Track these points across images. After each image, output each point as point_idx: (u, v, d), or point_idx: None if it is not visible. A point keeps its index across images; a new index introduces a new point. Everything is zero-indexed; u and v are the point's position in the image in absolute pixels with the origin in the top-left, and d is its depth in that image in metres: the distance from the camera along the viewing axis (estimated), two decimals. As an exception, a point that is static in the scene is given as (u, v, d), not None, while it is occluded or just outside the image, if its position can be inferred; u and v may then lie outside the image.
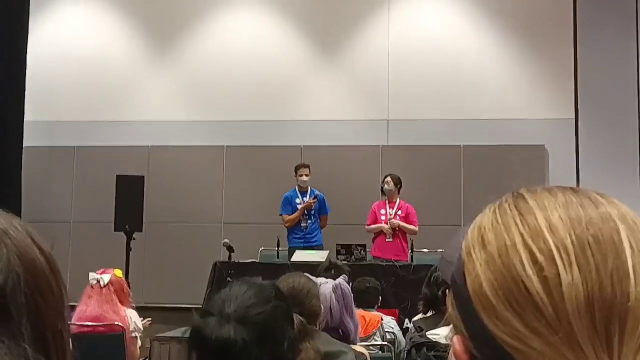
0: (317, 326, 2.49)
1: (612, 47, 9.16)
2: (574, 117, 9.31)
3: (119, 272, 4.17)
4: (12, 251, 0.73)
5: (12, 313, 0.70)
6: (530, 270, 0.58)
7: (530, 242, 0.59)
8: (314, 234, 7.92)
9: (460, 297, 0.63)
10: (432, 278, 3.87)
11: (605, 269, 0.58)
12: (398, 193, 7.92)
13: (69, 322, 0.78)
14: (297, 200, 7.98)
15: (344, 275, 3.23)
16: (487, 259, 0.61)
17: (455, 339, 0.64)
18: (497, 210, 0.65)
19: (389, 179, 7.86)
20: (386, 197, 7.89)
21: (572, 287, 0.57)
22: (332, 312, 2.77)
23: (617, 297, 0.57)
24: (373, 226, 7.79)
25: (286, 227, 7.99)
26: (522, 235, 0.60)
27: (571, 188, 0.65)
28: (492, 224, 0.64)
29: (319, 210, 8.02)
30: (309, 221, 7.93)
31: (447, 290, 2.33)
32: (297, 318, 2.21)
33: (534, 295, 0.57)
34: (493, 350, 0.59)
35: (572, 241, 0.59)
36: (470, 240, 0.64)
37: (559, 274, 0.57)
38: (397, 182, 7.86)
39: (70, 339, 0.77)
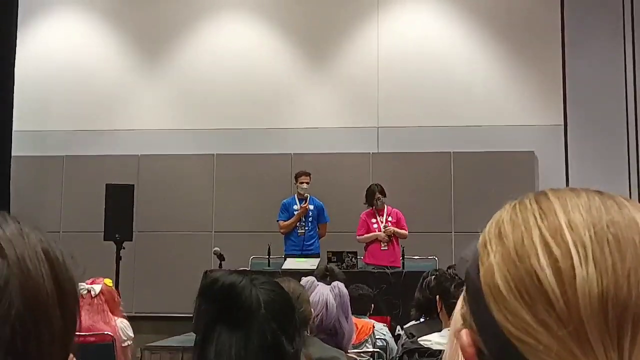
0: (309, 331, 2.48)
1: (599, 55, 9.22)
2: (562, 123, 9.35)
3: (109, 282, 4.14)
4: (14, 274, 0.65)
5: None
6: (544, 262, 0.58)
7: (547, 236, 0.59)
8: (311, 242, 7.90)
9: (472, 289, 0.63)
10: (424, 283, 3.87)
11: (623, 269, 0.57)
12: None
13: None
14: (295, 207, 7.97)
15: (342, 278, 3.22)
16: (503, 251, 0.61)
17: (464, 332, 0.63)
18: (517, 206, 0.64)
19: (379, 195, 7.79)
20: (374, 207, 7.85)
21: (586, 282, 0.56)
22: (327, 308, 2.75)
23: (632, 297, 0.56)
24: (367, 235, 7.77)
25: (282, 233, 7.96)
26: (540, 229, 0.60)
27: (597, 190, 0.64)
28: (510, 218, 0.63)
29: (318, 218, 8.00)
30: (306, 228, 7.91)
31: (438, 297, 2.30)
32: None
33: (546, 286, 0.57)
34: (500, 343, 0.59)
35: (590, 237, 0.58)
36: (487, 233, 0.64)
37: (573, 267, 0.57)
38: (384, 193, 7.83)
39: None
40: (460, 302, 0.69)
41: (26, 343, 0.64)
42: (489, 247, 0.62)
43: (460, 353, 0.65)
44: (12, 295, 0.64)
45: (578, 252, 0.57)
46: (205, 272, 7.44)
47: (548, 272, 0.57)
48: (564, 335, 0.56)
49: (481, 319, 0.61)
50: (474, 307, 0.62)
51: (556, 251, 0.58)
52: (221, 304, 1.53)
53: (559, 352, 0.56)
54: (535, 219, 0.61)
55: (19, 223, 0.70)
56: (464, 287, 0.66)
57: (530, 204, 0.63)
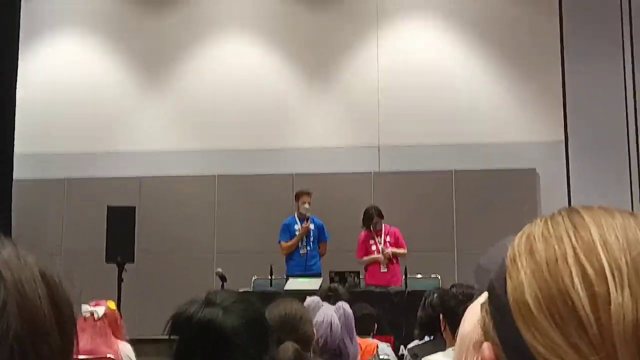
0: (311, 352, 2.46)
1: (599, 70, 9.24)
2: (564, 139, 9.35)
3: (112, 305, 4.12)
4: (11, 295, 0.65)
5: None
6: (579, 285, 0.57)
7: (582, 257, 0.58)
8: (313, 262, 7.86)
9: (497, 304, 0.62)
10: (426, 302, 3.85)
11: None
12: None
13: None
14: (296, 227, 7.92)
15: (345, 297, 3.20)
16: (534, 268, 0.59)
17: (485, 345, 0.62)
18: (549, 222, 0.62)
19: (377, 219, 7.74)
20: (371, 229, 7.80)
21: (621, 308, 0.55)
22: (332, 330, 2.72)
23: None
24: (367, 258, 7.73)
25: (284, 254, 7.92)
26: (574, 248, 0.59)
27: (629, 212, 0.63)
28: (542, 234, 0.61)
29: (318, 237, 7.97)
30: (308, 247, 7.87)
31: (442, 315, 2.28)
32: (292, 346, 2.17)
33: (579, 310, 0.56)
34: None
35: (626, 262, 0.57)
36: (516, 247, 0.62)
37: (609, 293, 0.56)
38: (381, 215, 7.78)
39: None
40: (474, 316, 0.68)
41: None
42: (518, 262, 0.61)
43: (476, 358, 0.64)
44: (9, 317, 0.64)
45: (614, 276, 0.56)
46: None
47: (582, 295, 0.56)
48: None
49: (506, 335, 0.60)
50: (499, 321, 0.61)
51: (591, 274, 0.57)
52: (196, 339, 1.48)
53: None
54: (569, 237, 0.60)
55: (15, 246, 0.71)
56: (487, 300, 0.64)
57: (564, 221, 0.62)
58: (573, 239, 0.59)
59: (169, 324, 1.52)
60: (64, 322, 0.69)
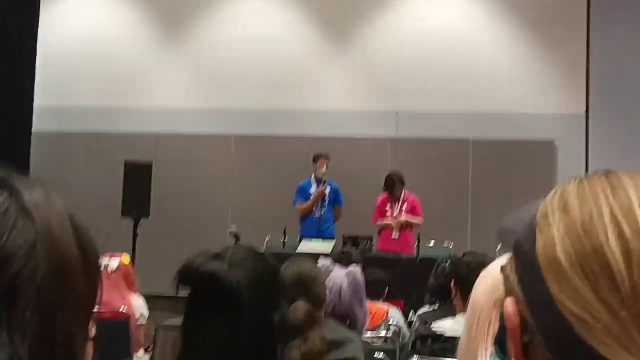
0: (324, 313, 2.47)
1: (624, 43, 9.09)
2: (584, 112, 9.26)
3: (126, 258, 4.16)
4: (41, 236, 0.65)
5: (18, 304, 0.62)
6: (614, 241, 0.57)
7: (619, 215, 0.58)
8: (327, 225, 7.87)
9: (524, 260, 0.61)
10: (438, 270, 3.86)
11: None
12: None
13: (92, 330, 0.69)
14: (312, 190, 7.93)
15: (354, 264, 3.20)
16: (568, 224, 0.59)
17: (509, 300, 0.62)
18: (584, 181, 0.63)
19: (399, 185, 7.71)
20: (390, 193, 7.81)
21: None
22: (341, 297, 2.73)
23: None
24: (380, 222, 7.76)
25: (299, 216, 7.94)
26: (610, 206, 0.59)
27: None
28: (577, 192, 0.61)
29: (334, 200, 7.96)
30: (323, 210, 7.88)
31: (453, 282, 2.29)
32: (303, 306, 2.18)
33: (613, 266, 0.56)
34: (552, 317, 0.58)
35: None
36: (549, 204, 0.62)
37: None
38: (403, 182, 7.76)
39: (87, 348, 0.68)
40: (487, 281, 0.67)
41: (52, 304, 0.64)
42: (550, 218, 0.60)
43: (488, 324, 0.63)
44: (39, 258, 0.64)
45: None
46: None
47: (617, 252, 0.56)
48: (626, 317, 0.55)
49: (533, 291, 0.59)
50: (525, 277, 0.61)
51: (627, 232, 0.57)
52: (202, 292, 1.48)
53: (617, 333, 0.55)
54: (607, 196, 0.59)
55: (45, 188, 0.71)
56: (512, 257, 0.64)
57: (600, 180, 0.62)
58: (610, 198, 0.59)
59: (177, 272, 1.52)
60: (90, 267, 0.69)
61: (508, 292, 0.63)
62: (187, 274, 1.51)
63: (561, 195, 0.62)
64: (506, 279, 0.64)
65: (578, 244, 0.58)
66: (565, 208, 0.60)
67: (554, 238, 0.59)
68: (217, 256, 1.51)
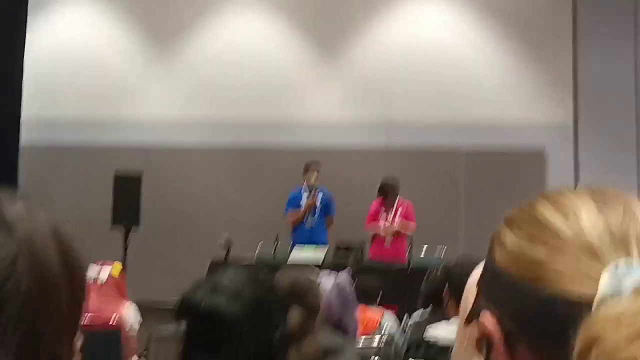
0: (317, 321, 2.46)
1: (611, 52, 9.16)
2: (572, 120, 9.31)
3: (118, 267, 4.15)
4: (23, 251, 0.64)
5: (1, 317, 0.62)
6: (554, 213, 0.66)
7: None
8: (319, 233, 7.87)
9: (487, 274, 0.68)
10: (429, 277, 3.86)
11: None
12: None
13: (76, 347, 0.69)
14: (303, 199, 7.93)
15: (347, 269, 3.20)
16: (511, 226, 0.68)
17: (483, 315, 0.65)
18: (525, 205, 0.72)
19: (393, 192, 7.75)
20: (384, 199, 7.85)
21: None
22: (330, 307, 2.73)
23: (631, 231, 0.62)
24: (371, 228, 7.77)
25: (290, 225, 7.93)
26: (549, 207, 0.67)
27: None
28: (517, 211, 0.71)
29: (326, 209, 7.96)
30: (314, 219, 7.88)
31: (447, 286, 2.28)
32: (298, 313, 2.18)
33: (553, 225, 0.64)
34: (517, 295, 0.63)
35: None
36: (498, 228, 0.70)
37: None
38: (398, 190, 7.80)
39: None
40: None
41: (35, 318, 0.64)
42: (500, 234, 0.68)
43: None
44: (21, 272, 0.64)
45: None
46: (211, 263, 7.46)
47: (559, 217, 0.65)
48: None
49: (494, 291, 0.65)
50: (488, 287, 0.67)
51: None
52: (202, 326, 1.49)
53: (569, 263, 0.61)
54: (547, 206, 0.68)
55: (27, 202, 0.70)
56: (479, 283, 0.70)
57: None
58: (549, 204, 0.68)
59: (176, 307, 1.53)
60: (75, 280, 0.69)
61: (479, 313, 0.67)
62: (186, 310, 1.52)
63: (506, 219, 0.70)
64: (475, 302, 0.69)
65: (522, 216, 0.68)
66: (510, 223, 0.68)
67: (505, 240, 0.67)
68: (215, 288, 1.52)
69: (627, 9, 9.24)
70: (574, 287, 0.59)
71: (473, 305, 0.69)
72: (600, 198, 0.65)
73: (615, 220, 0.62)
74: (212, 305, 1.48)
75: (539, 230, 0.64)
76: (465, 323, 0.72)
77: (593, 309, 0.54)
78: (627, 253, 0.60)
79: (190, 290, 1.54)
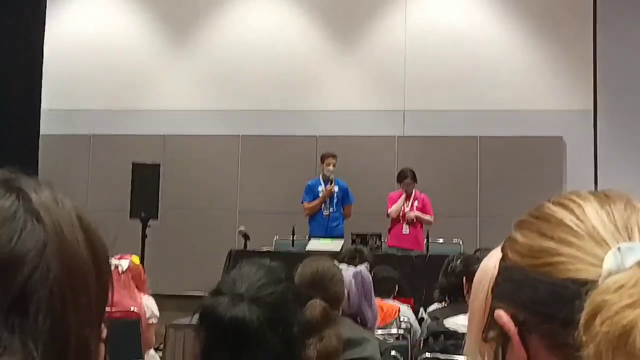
0: (340, 312, 2.45)
1: (632, 38, 9.04)
2: (592, 108, 9.21)
3: (136, 259, 4.17)
4: (51, 238, 0.65)
5: (30, 308, 0.62)
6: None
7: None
8: (335, 223, 7.88)
9: (500, 276, 0.71)
10: (449, 267, 3.84)
11: None
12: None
13: (104, 331, 0.69)
14: (320, 189, 7.94)
15: (366, 263, 3.20)
16: (521, 228, 0.71)
17: (497, 312, 0.68)
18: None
19: (409, 180, 7.73)
20: (403, 189, 7.83)
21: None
22: (350, 298, 2.73)
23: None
24: (394, 208, 7.70)
25: (307, 214, 7.95)
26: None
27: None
28: (529, 214, 0.74)
29: (343, 199, 7.97)
30: (331, 209, 7.88)
31: (465, 279, 2.28)
32: (320, 304, 2.18)
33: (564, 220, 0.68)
34: (531, 285, 0.66)
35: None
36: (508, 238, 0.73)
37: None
38: (415, 178, 7.79)
39: (99, 349, 0.68)
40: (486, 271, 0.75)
41: (64, 307, 0.64)
42: (511, 238, 0.72)
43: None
44: (49, 260, 0.64)
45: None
46: (230, 252, 7.49)
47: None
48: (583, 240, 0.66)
49: (507, 288, 0.69)
50: (502, 287, 0.70)
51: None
52: (224, 334, 1.53)
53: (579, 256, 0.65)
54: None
55: (52, 189, 0.70)
56: (491, 291, 0.72)
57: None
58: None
59: (196, 316, 1.58)
60: (101, 268, 0.69)
61: (492, 309, 0.70)
62: (208, 321, 1.56)
63: (518, 223, 0.73)
64: (490, 300, 0.72)
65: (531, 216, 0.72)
66: (520, 226, 0.72)
67: (517, 240, 0.70)
68: (236, 296, 1.55)
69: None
70: (582, 270, 0.63)
71: (488, 318, 0.71)
72: (603, 196, 0.69)
73: (618, 212, 0.66)
74: (233, 315, 1.53)
75: (548, 226, 0.68)
76: (482, 336, 0.74)
77: (599, 284, 0.59)
78: (630, 239, 0.64)
79: (210, 298, 1.58)
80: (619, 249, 0.61)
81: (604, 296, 0.57)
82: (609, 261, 0.60)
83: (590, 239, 0.65)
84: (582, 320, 0.57)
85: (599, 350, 0.55)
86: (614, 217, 0.66)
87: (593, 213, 0.67)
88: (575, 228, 0.66)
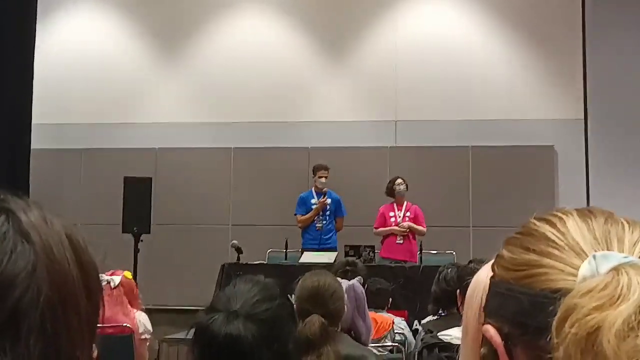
0: (339, 327, 2.42)
1: (621, 47, 9.10)
2: (583, 117, 9.25)
3: (128, 274, 4.15)
4: (41, 259, 0.64)
5: (21, 332, 0.61)
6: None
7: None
8: (328, 236, 7.87)
9: (489, 293, 0.72)
10: (441, 277, 3.84)
11: None
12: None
13: (94, 351, 0.69)
14: (313, 201, 7.94)
15: (358, 277, 3.18)
16: (507, 245, 0.73)
17: (485, 327, 0.69)
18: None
19: (400, 180, 7.81)
20: (394, 200, 7.85)
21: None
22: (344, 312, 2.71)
23: None
24: (383, 229, 7.76)
25: (300, 227, 7.94)
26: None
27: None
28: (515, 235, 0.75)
29: (335, 211, 7.97)
30: (324, 222, 7.88)
31: (459, 291, 2.28)
32: (318, 320, 2.16)
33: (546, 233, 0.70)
34: (514, 297, 0.67)
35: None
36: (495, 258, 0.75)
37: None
38: (406, 185, 7.83)
39: None
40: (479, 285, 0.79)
41: (56, 328, 0.63)
42: (500, 256, 0.73)
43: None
44: (40, 281, 0.64)
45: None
46: (223, 266, 7.46)
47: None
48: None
49: (495, 304, 0.70)
50: (490, 303, 0.71)
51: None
52: (219, 352, 1.53)
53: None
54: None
55: (41, 209, 0.70)
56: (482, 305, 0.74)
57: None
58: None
59: (191, 332, 1.58)
60: (91, 287, 0.69)
61: (481, 324, 0.71)
62: (204, 336, 1.56)
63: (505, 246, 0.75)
64: (480, 317, 0.74)
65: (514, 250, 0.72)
66: (508, 244, 0.73)
67: (501, 257, 0.72)
68: (231, 313, 1.55)
69: (637, 2, 9.17)
70: (560, 280, 0.65)
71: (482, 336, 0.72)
72: (585, 211, 0.71)
73: (598, 225, 0.68)
74: (228, 332, 1.53)
75: (531, 240, 0.69)
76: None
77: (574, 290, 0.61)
78: (609, 249, 0.66)
79: (205, 315, 1.58)
80: (594, 257, 0.63)
81: (574, 300, 0.59)
82: (584, 268, 0.63)
83: (570, 250, 0.67)
84: (554, 324, 0.59)
85: (568, 352, 0.57)
86: (594, 229, 0.68)
87: (574, 226, 0.69)
88: (557, 240, 0.68)
